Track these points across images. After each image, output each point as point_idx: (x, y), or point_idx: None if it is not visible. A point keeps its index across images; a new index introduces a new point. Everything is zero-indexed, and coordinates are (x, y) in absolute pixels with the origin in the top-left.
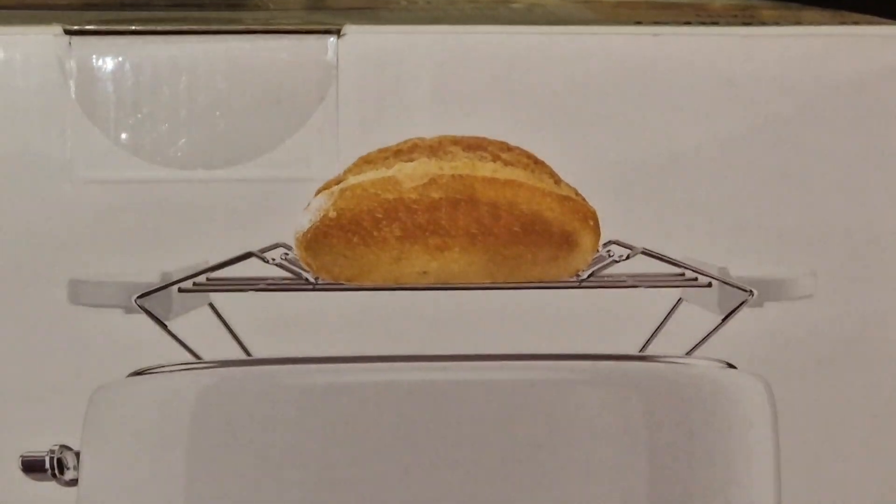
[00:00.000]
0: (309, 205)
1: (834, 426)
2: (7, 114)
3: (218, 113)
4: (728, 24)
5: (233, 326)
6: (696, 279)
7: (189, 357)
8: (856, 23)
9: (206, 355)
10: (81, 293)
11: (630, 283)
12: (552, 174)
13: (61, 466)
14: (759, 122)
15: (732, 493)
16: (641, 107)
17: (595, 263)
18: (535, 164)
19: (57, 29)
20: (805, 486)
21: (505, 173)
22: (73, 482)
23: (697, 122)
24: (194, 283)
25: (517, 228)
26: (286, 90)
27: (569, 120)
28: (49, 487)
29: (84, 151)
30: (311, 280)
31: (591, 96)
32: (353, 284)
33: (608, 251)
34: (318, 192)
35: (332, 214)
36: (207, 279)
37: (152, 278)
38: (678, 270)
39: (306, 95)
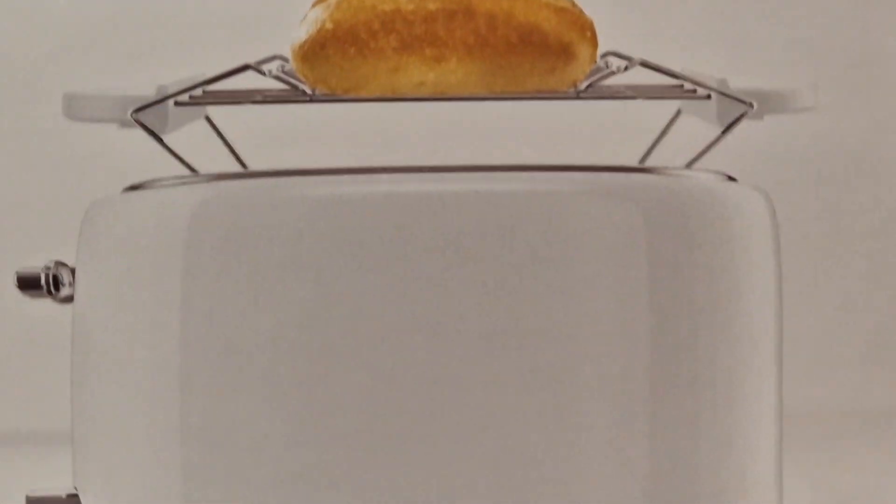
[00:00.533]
0: (306, 17)
1: (834, 240)
2: None
3: None
4: None
5: (229, 140)
6: (695, 91)
7: (185, 171)
8: None
9: (203, 169)
10: (76, 107)
11: (628, 94)
12: None
13: (56, 283)
14: None
15: (733, 305)
16: None
17: (592, 75)
18: None
19: None
20: (805, 301)
21: None
22: (69, 299)
23: None
24: (190, 97)
25: (514, 39)
26: None
27: None
28: (44, 306)
29: None
30: (308, 92)
31: None
32: (350, 96)
33: (605, 62)
34: (315, 3)
35: (329, 26)
36: (204, 92)
37: (148, 92)
38: (677, 82)
39: None
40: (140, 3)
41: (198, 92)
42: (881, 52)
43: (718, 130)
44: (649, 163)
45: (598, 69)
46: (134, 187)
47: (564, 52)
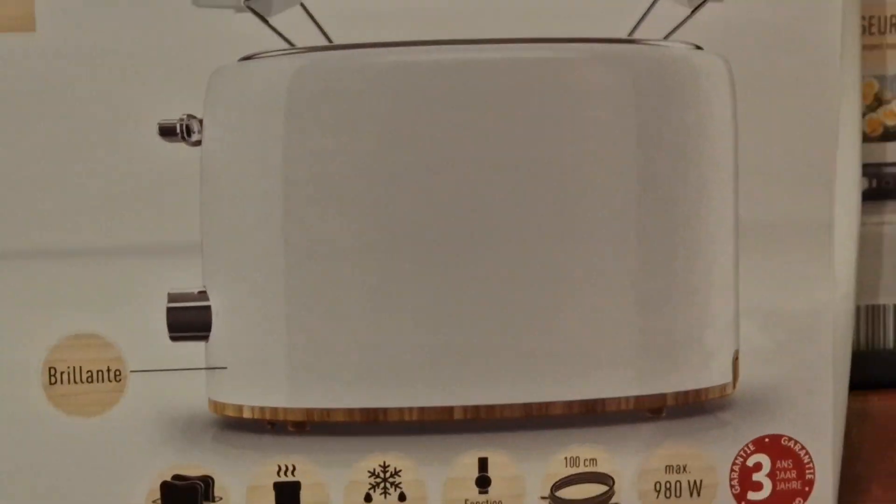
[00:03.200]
0: None
1: (785, 103)
2: None
3: None
4: None
5: (319, 21)
6: None
7: (285, 45)
8: None
9: (299, 44)
10: None
11: None
12: None
13: (188, 130)
14: None
15: (702, 146)
16: None
17: None
18: None
19: None
20: (758, 159)
21: None
22: (198, 143)
23: None
24: None
25: None
26: None
27: None
28: (181, 149)
29: None
30: None
31: None
32: None
33: None
34: None
35: None
36: None
37: None
38: None
39: None
40: None
41: None
42: None
43: (689, 10)
44: (636, 35)
45: None
46: (247, 58)
47: None
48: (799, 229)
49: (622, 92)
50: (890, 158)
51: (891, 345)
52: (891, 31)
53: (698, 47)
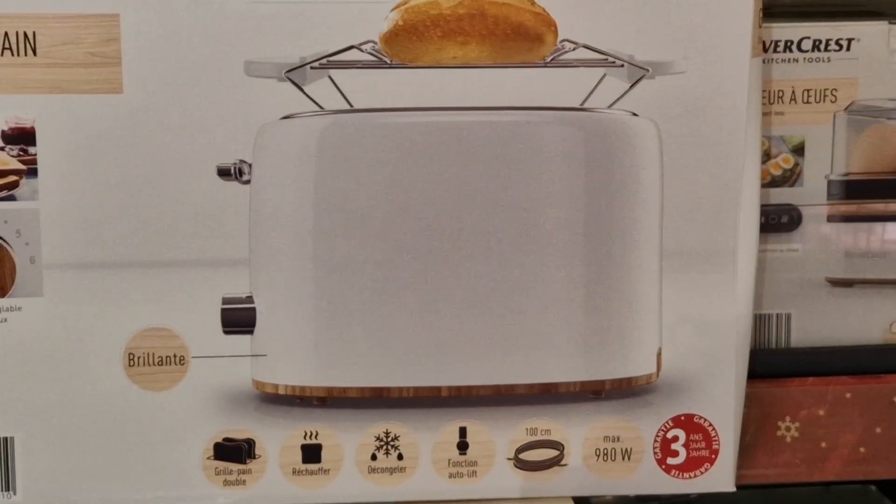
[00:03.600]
0: (388, 16)
1: (701, 156)
2: None
3: None
4: None
5: (343, 90)
6: (615, 62)
7: (316, 107)
8: None
9: (327, 107)
10: (252, 69)
11: (575, 64)
12: None
13: (240, 172)
14: None
15: (635, 194)
16: None
17: (554, 53)
18: None
19: None
20: (680, 199)
21: None
22: (247, 182)
23: None
24: (320, 64)
25: (509, 31)
26: None
27: None
28: (234, 186)
29: None
30: (388, 61)
31: None
32: (412, 64)
33: (562, 45)
34: (394, 8)
35: (401, 22)
36: (328, 61)
37: (294, 60)
38: (604, 57)
39: None
40: (292, 8)
41: (324, 61)
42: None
43: (627, 85)
44: (588, 104)
45: (558, 49)
46: (286, 117)
47: (538, 39)
48: (710, 255)
49: (574, 148)
50: (775, 201)
51: (773, 344)
52: (775, 102)
53: (634, 114)
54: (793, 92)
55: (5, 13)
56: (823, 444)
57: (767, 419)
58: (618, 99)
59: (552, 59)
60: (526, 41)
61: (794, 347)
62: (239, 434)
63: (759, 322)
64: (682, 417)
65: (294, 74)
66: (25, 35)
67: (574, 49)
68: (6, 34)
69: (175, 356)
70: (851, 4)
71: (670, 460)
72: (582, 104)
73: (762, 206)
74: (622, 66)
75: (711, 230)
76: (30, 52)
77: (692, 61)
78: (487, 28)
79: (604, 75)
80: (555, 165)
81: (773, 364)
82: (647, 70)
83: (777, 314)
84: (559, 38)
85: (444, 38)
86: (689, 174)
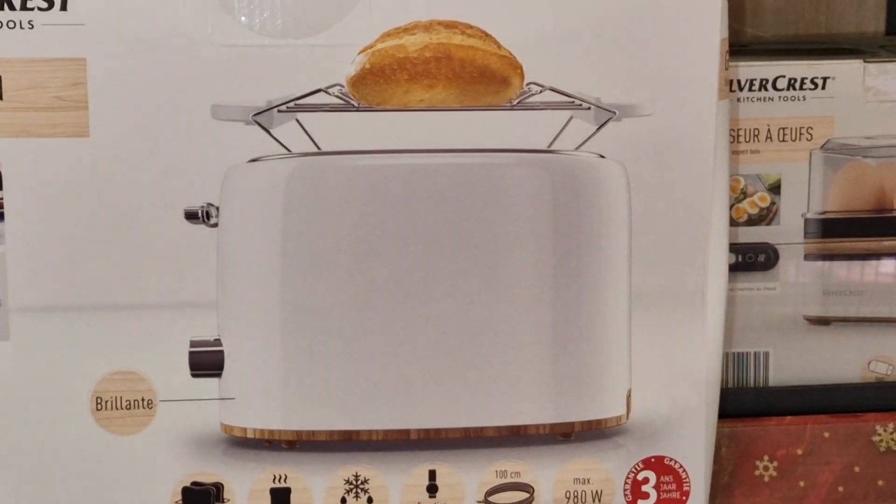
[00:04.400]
0: (354, 60)
1: (669, 197)
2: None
3: (302, 4)
4: None
5: (310, 132)
6: (581, 105)
7: (283, 151)
8: None
9: (294, 149)
10: (219, 112)
11: (542, 107)
12: (496, 42)
13: (208, 215)
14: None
15: (603, 234)
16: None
17: (521, 95)
18: (485, 36)
19: None
20: (648, 240)
21: (468, 41)
22: (215, 225)
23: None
24: (287, 107)
25: (475, 74)
26: None
27: (505, 13)
28: (202, 229)
29: (220, 27)
30: (355, 104)
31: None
32: (379, 107)
33: (529, 88)
34: (360, 52)
35: (368, 66)
36: (295, 104)
37: (261, 103)
38: (571, 100)
39: None
40: (256, 52)
41: (291, 104)
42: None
43: (594, 127)
44: (554, 146)
45: (524, 92)
46: (254, 160)
47: (504, 82)
48: (679, 295)
49: (542, 190)
50: (751, 239)
51: (751, 383)
52: (751, 140)
53: (601, 156)
54: (768, 130)
55: None
56: (802, 483)
57: (745, 458)
58: (585, 141)
59: (519, 102)
60: (492, 84)
61: (772, 386)
62: (207, 478)
63: (737, 360)
64: (653, 459)
65: (261, 118)
66: None
67: (541, 92)
68: None
69: (143, 400)
70: (826, 43)
71: (641, 502)
72: (549, 146)
73: (739, 244)
74: (589, 108)
75: (680, 271)
76: None
77: (659, 104)
78: (454, 71)
79: (570, 118)
80: (522, 207)
81: (751, 402)
82: (614, 112)
83: (755, 352)
84: (526, 81)
85: (411, 81)
86: (657, 215)
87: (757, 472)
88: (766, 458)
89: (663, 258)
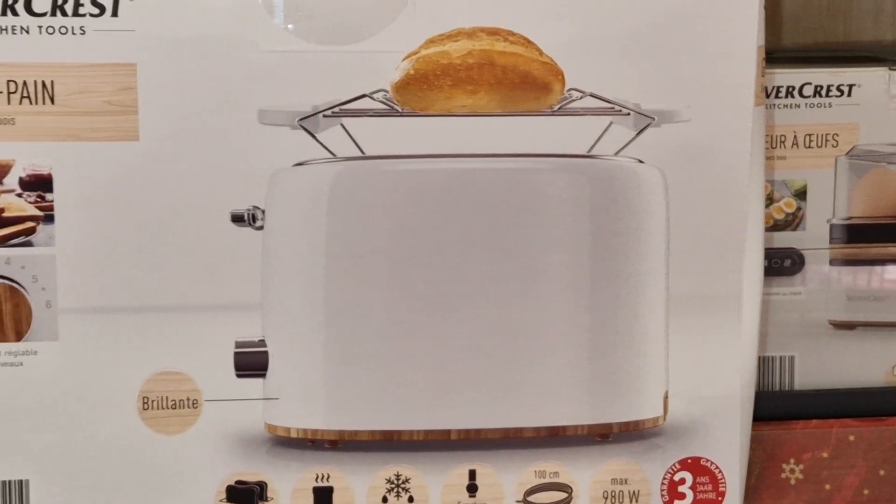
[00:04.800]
0: (399, 66)
1: (706, 202)
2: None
3: (347, 11)
4: None
5: (354, 137)
6: (621, 110)
7: (328, 155)
8: None
9: (339, 154)
10: (265, 117)
11: (582, 112)
12: (538, 49)
13: (254, 218)
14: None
15: (641, 239)
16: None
17: (562, 101)
18: (528, 42)
19: None
20: (685, 244)
21: (511, 48)
22: (260, 227)
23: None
24: (332, 112)
25: (517, 80)
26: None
27: (548, 17)
28: (247, 232)
29: (267, 33)
30: (399, 110)
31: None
32: (422, 113)
33: (569, 94)
34: (405, 58)
35: (412, 72)
36: (340, 109)
37: (307, 108)
38: (611, 105)
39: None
40: (301, 57)
41: (337, 109)
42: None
43: (634, 133)
44: (594, 151)
45: (565, 98)
46: (299, 163)
47: (545, 88)
48: (715, 299)
49: (581, 194)
50: (777, 245)
51: (777, 387)
52: (777, 147)
53: (640, 161)
54: (795, 137)
55: (24, 63)
56: (827, 487)
57: (772, 461)
58: (624, 146)
59: (559, 108)
60: (534, 90)
61: (798, 390)
62: (251, 477)
63: (763, 364)
64: (689, 460)
65: (307, 122)
66: (43, 84)
67: (581, 98)
68: (24, 83)
69: (188, 399)
70: (848, 51)
71: (677, 502)
72: (588, 151)
73: (766, 249)
74: (628, 114)
75: (716, 275)
76: (48, 100)
77: (696, 110)
78: (496, 77)
79: (610, 123)
80: (562, 211)
81: (776, 406)
82: (653, 118)
83: (780, 357)
84: (566, 87)
85: (454, 87)
86: (694, 220)
87: (783, 475)
88: (792, 461)
89: (699, 262)
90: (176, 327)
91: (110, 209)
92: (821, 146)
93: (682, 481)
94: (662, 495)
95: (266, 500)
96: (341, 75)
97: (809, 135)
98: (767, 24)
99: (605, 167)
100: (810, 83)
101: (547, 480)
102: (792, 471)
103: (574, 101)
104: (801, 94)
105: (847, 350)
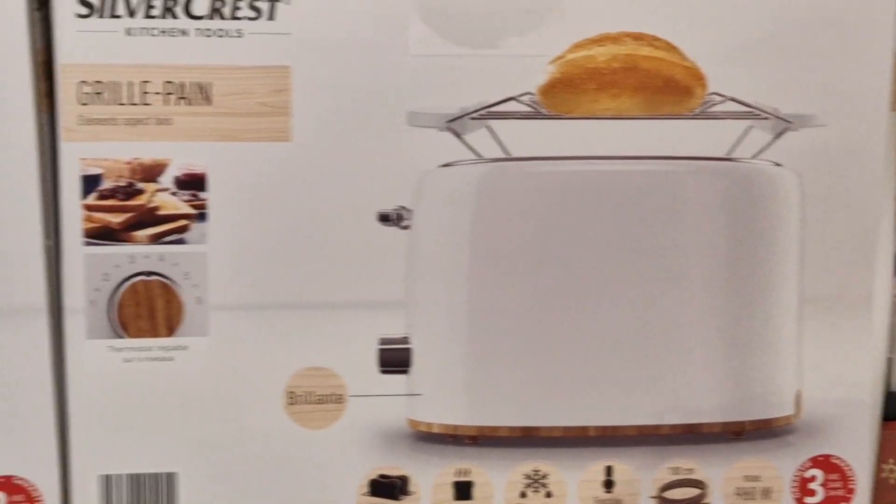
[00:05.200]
0: (545, 69)
1: (840, 204)
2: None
3: (496, 15)
4: None
5: (502, 140)
6: (760, 115)
7: (475, 156)
8: None
9: (485, 155)
10: (415, 119)
11: (723, 116)
12: (681, 53)
13: (400, 218)
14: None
15: (778, 240)
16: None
17: (703, 105)
18: (671, 47)
19: None
20: (819, 246)
21: (655, 53)
22: (406, 227)
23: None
24: (479, 114)
25: (660, 84)
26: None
27: (691, 22)
28: (393, 231)
29: (417, 37)
30: (545, 113)
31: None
32: (567, 115)
33: (711, 98)
34: (551, 62)
35: (558, 75)
36: (487, 112)
37: (455, 111)
38: (751, 110)
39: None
40: (452, 61)
41: (483, 111)
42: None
43: (771, 136)
44: (733, 154)
45: (706, 102)
46: (446, 164)
47: (688, 93)
48: (847, 299)
49: (720, 197)
50: None
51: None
52: None
53: (778, 164)
54: None
55: (182, 64)
56: None
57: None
58: (762, 150)
59: (700, 112)
60: (676, 94)
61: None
62: (393, 471)
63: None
64: (820, 458)
65: (455, 124)
66: (200, 85)
67: (722, 102)
68: (183, 85)
69: (333, 395)
70: None
71: (808, 499)
72: (728, 153)
73: None
74: (767, 118)
75: (848, 276)
76: (204, 101)
77: (833, 114)
78: (640, 81)
79: (749, 127)
80: (701, 213)
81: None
82: (791, 123)
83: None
84: (707, 92)
85: (599, 91)
86: (827, 223)
87: (883, 475)
88: (891, 461)
89: (832, 264)
90: (322, 324)
91: (261, 208)
92: None
93: (813, 478)
94: (793, 492)
95: (407, 494)
96: (488, 78)
97: None
98: None
99: (744, 170)
100: None
101: (681, 477)
102: (892, 470)
103: (715, 105)
104: None
105: None
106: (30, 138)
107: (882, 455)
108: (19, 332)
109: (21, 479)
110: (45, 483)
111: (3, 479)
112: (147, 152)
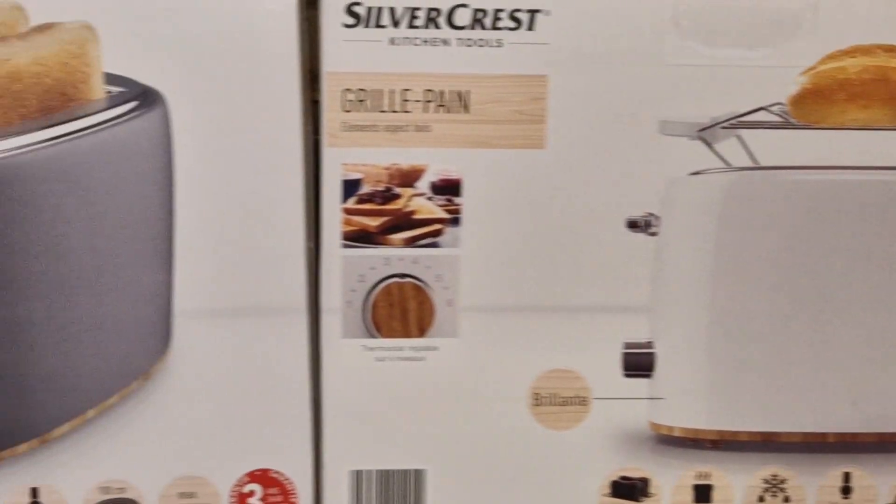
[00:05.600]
0: (797, 80)
1: None
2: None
3: (751, 25)
4: None
5: (751, 150)
6: None
7: (723, 165)
8: None
9: (734, 164)
10: (667, 128)
11: None
12: None
13: (648, 224)
14: None
15: None
16: None
17: None
18: None
19: None
20: None
21: None
22: (654, 234)
23: None
24: (730, 123)
25: None
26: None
27: None
28: (639, 237)
29: (672, 47)
30: (795, 123)
31: None
32: (816, 125)
33: None
34: (802, 73)
35: (809, 86)
36: (738, 121)
37: (706, 120)
38: None
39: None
40: (714, 70)
41: (734, 121)
42: None
43: None
44: None
45: None
46: (695, 172)
47: None
48: None
49: None
50: None
51: None
52: None
53: None
54: None
55: (442, 73)
56: None
57: None
58: None
59: None
60: None
61: None
62: (634, 473)
63: None
64: None
65: (705, 133)
66: (459, 94)
67: None
68: (442, 93)
69: (577, 397)
70: None
71: None
72: None
73: None
74: None
75: None
76: (462, 109)
77: None
78: (890, 93)
79: None
80: None
81: None
82: None
83: None
84: None
85: (848, 102)
86: None
87: None
88: None
89: None
90: (568, 326)
91: (513, 213)
92: None
93: None
94: None
95: (648, 496)
96: (739, 88)
97: None
98: None
99: None
100: None
101: None
102: None
103: None
104: None
105: None
106: (296, 144)
107: None
108: (280, 331)
109: (277, 472)
110: (299, 476)
111: (259, 472)
112: (405, 158)
